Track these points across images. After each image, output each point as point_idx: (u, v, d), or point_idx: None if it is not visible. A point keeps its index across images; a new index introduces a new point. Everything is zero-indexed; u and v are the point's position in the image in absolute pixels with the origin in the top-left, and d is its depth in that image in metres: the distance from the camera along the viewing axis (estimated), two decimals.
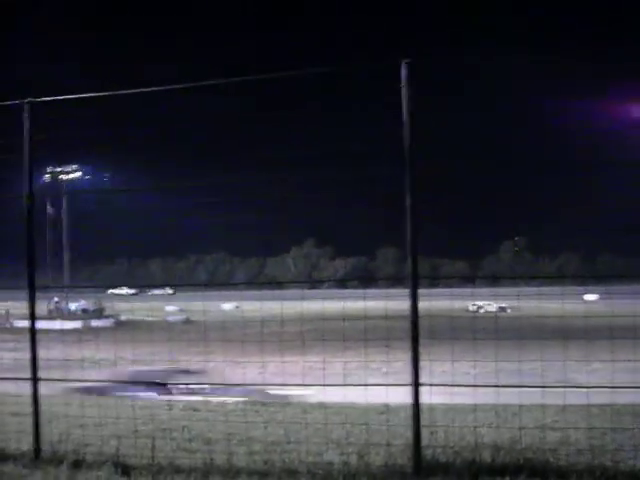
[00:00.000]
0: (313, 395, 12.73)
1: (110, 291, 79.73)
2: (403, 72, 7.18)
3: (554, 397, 10.61)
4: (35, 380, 8.33)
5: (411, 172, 7.17)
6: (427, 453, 7.32)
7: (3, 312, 52.62)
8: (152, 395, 13.25)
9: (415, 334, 7.21)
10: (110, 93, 8.53)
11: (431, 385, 7.41)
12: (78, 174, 63.38)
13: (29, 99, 8.30)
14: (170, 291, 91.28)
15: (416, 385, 7.22)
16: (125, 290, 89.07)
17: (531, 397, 9.97)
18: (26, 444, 8.26)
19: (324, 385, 10.05)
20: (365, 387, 9.27)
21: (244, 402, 12.30)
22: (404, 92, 7.19)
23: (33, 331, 8.43)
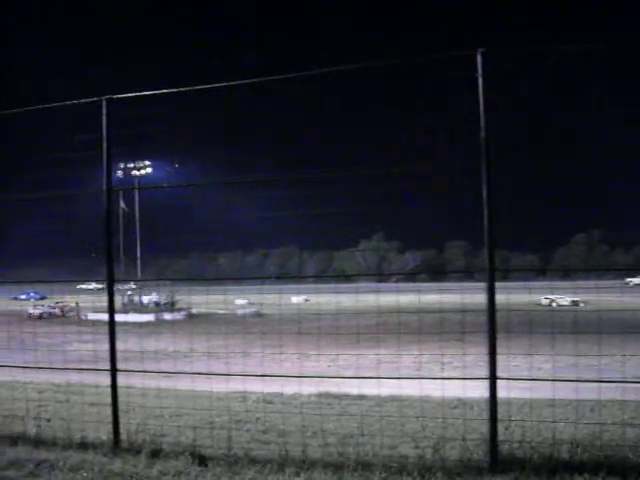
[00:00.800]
0: (385, 389, 12.66)
1: (79, 286, 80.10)
2: (479, 61, 7.07)
3: (632, 393, 10.39)
4: (114, 371, 8.49)
5: (487, 163, 7.04)
6: (503, 448, 7.21)
7: (73, 304, 53.90)
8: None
9: (492, 327, 7.09)
10: (186, 89, 8.55)
11: (508, 379, 7.30)
12: (150, 170, 64.45)
13: (107, 96, 8.43)
14: (133, 285, 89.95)
15: (493, 379, 7.11)
16: (93, 285, 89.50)
17: (609, 393, 9.77)
18: (104, 433, 8.44)
19: (398, 378, 10.00)
20: (437, 381, 9.19)
21: (317, 395, 12.31)
22: (480, 82, 7.08)
23: (112, 324, 8.58)
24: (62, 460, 7.62)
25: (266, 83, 8.52)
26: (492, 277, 7.11)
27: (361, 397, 12.00)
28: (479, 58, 7.08)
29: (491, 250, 7.14)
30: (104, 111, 8.44)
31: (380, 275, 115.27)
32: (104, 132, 8.50)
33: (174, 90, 8.41)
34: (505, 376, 7.21)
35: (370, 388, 11.93)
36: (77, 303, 53.35)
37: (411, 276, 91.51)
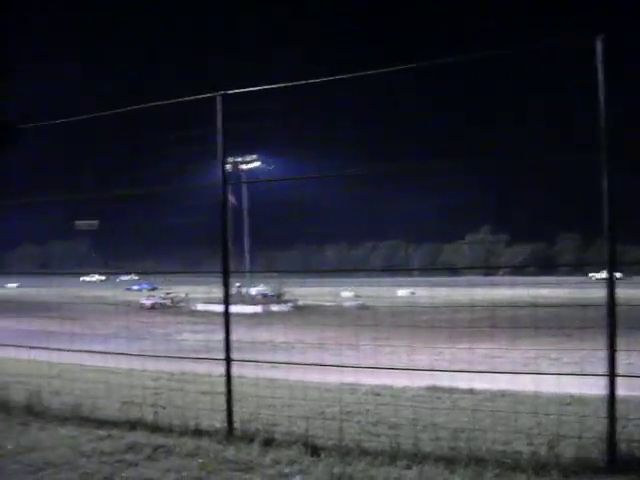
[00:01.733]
0: (494, 384, 12.47)
1: (82, 278, 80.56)
2: (599, 49, 6.82)
3: None
4: (228, 361, 8.68)
5: (608, 154, 6.80)
6: (621, 447, 6.99)
7: (183, 295, 55.31)
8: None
9: (612, 323, 6.87)
10: (295, 83, 8.61)
11: (629, 377, 7.08)
12: (257, 163, 65.36)
13: (221, 92, 8.59)
14: (136, 277, 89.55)
15: (612, 376, 6.90)
16: (96, 277, 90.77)
17: None
18: (218, 421, 8.65)
19: (514, 373, 9.82)
20: (547, 377, 9.01)
21: (426, 388, 12.25)
22: (600, 70, 6.83)
23: (227, 314, 8.77)
24: (178, 446, 7.86)
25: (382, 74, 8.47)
26: (612, 270, 6.89)
27: (470, 391, 11.86)
28: (599, 45, 6.83)
29: (612, 243, 6.91)
30: (219, 107, 8.61)
31: (486, 268, 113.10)
32: (219, 127, 8.66)
33: (288, 84, 8.49)
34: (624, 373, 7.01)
35: (479, 383, 11.78)
36: (187, 294, 54.67)
37: (519, 269, 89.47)
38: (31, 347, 12.75)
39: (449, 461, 7.01)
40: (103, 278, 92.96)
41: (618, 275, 7.06)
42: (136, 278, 78.03)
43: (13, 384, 11.12)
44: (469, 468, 6.78)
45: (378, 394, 11.61)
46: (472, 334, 18.55)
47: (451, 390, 11.97)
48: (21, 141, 10.63)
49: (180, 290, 58.83)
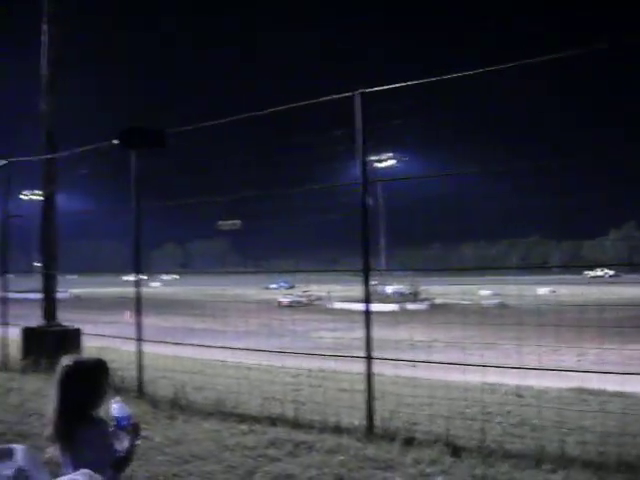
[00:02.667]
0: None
1: (124, 278, 79.24)
2: None
3: None
4: (369, 359, 8.68)
5: None
6: None
7: (325, 294, 55.81)
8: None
9: None
10: (430, 80, 8.48)
11: None
12: (393, 162, 65.25)
13: (360, 90, 8.58)
14: (177, 277, 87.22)
15: None
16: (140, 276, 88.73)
17: None
18: (358, 419, 8.67)
19: None
20: None
21: (569, 390, 11.82)
22: None
23: (367, 312, 8.78)
24: (319, 442, 7.93)
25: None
26: None
27: (620, 394, 11.34)
28: None
29: None
30: (358, 105, 8.60)
31: (631, 265, 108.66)
32: (358, 126, 8.66)
33: (424, 81, 8.39)
34: None
35: (629, 386, 11.26)
36: (329, 292, 55.12)
37: None
38: (176, 343, 13.22)
39: (597, 466, 6.75)
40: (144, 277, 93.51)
41: None
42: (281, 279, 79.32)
43: (159, 379, 11.55)
44: (619, 474, 6.51)
45: (520, 395, 11.30)
46: (619, 334, 17.82)
47: (598, 392, 11.49)
48: (170, 144, 11.03)
49: (317, 289, 59.47)
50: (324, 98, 9.19)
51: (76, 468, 3.53)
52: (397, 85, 8.47)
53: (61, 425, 3.74)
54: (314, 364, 13.57)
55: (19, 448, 3.35)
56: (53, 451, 3.79)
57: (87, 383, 3.83)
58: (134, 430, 3.91)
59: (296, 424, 8.83)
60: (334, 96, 9.06)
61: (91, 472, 3.37)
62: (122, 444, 3.83)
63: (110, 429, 3.83)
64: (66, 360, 3.90)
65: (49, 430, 3.79)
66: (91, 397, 3.82)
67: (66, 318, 15.96)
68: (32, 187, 19.85)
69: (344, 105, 8.83)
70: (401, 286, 59.25)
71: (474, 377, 11.54)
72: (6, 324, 14.87)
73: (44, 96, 15.90)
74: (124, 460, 3.81)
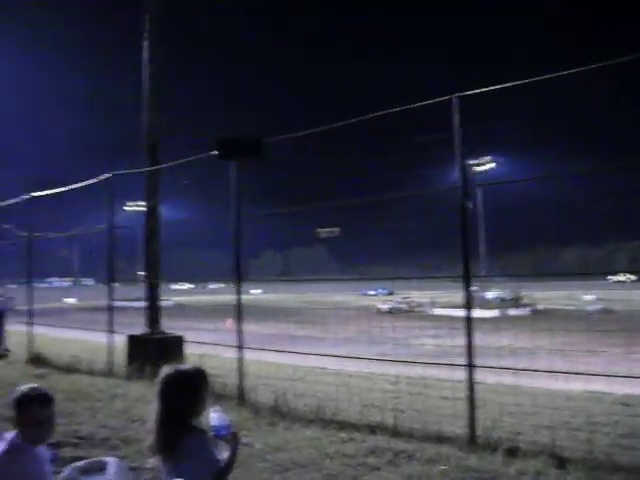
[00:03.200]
0: None
1: (172, 286, 77.07)
2: None
3: None
4: (471, 367, 8.54)
5: None
6: None
7: (426, 300, 55.39)
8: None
9: None
10: (529, 80, 8.30)
11: None
12: (492, 165, 64.26)
13: (457, 93, 8.50)
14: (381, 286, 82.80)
15: None
16: (187, 285, 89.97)
17: None
18: (459, 428, 8.51)
19: None
20: None
21: None
22: None
23: (469, 319, 8.66)
24: (419, 451, 7.81)
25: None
26: None
27: None
28: None
29: None
30: (455, 108, 8.52)
31: None
32: (456, 129, 8.57)
33: (522, 82, 8.22)
34: None
35: None
36: (432, 298, 54.69)
37: None
38: (277, 351, 13.32)
39: None
40: (192, 286, 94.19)
41: None
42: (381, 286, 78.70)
43: (260, 386, 11.66)
44: None
45: (627, 404, 10.88)
46: None
47: None
48: (267, 153, 11.15)
49: (417, 295, 59.04)
50: (422, 103, 9.12)
51: (177, 478, 3.58)
52: (494, 87, 8.32)
53: (162, 435, 3.77)
54: (415, 371, 13.46)
55: (112, 461, 3.41)
56: (155, 462, 3.84)
57: (187, 392, 3.85)
58: (233, 439, 3.88)
59: (396, 432, 8.74)
60: (432, 100, 8.99)
61: None
62: (221, 454, 3.84)
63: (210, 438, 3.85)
64: (166, 369, 3.95)
65: (150, 440, 3.84)
66: (191, 406, 3.83)
67: (169, 326, 16.33)
68: (135, 198, 20.31)
69: (442, 109, 8.75)
70: (502, 291, 58.33)
71: (579, 385, 11.23)
72: (112, 332, 15.32)
73: (145, 110, 16.36)
74: (224, 470, 3.81)
